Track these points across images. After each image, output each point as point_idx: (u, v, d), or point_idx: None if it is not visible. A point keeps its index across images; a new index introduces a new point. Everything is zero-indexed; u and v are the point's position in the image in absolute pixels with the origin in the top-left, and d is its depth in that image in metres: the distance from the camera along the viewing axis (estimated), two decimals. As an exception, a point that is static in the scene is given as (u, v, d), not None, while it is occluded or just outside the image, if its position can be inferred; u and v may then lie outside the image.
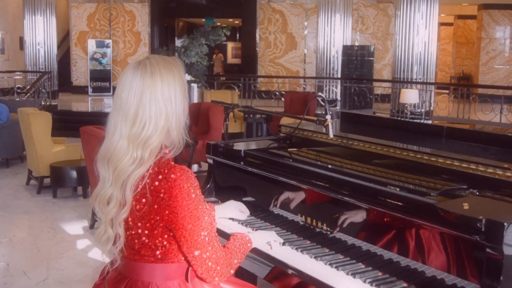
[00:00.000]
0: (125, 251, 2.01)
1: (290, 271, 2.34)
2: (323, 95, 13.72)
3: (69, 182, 7.75)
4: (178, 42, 19.90)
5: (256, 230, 2.75)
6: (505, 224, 1.85)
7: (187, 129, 2.04)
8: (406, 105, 11.33)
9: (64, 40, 20.84)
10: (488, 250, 1.88)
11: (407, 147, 2.86)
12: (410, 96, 10.62)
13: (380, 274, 2.25)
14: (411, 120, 4.13)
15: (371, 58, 15.32)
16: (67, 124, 12.61)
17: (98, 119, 12.63)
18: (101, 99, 18.26)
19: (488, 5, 19.50)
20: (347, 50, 15.23)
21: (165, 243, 1.95)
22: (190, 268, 2.02)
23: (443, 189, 2.28)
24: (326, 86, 15.44)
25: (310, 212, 2.69)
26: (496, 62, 19.85)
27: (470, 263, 1.98)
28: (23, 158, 9.81)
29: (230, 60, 25.58)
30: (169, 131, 1.96)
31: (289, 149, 3.36)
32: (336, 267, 2.31)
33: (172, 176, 1.89)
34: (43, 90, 15.14)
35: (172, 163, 1.96)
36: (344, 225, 2.48)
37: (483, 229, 1.89)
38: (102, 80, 19.24)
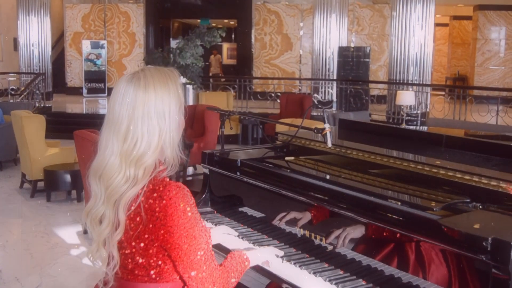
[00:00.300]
0: (119, 270, 1.93)
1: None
2: (320, 98, 13.62)
3: (63, 185, 7.70)
4: (173, 43, 19.81)
5: (253, 243, 2.68)
6: (512, 243, 1.79)
7: (182, 141, 1.97)
8: (402, 107, 11.28)
9: (58, 41, 20.73)
10: (494, 270, 1.82)
11: (407, 157, 2.79)
12: (406, 98, 10.56)
13: (381, 290, 2.19)
14: (410, 128, 4.08)
15: (367, 60, 15.29)
16: (62, 126, 12.56)
17: (93, 121, 12.67)
18: (96, 100, 18.18)
19: (484, 6, 19.51)
20: (343, 52, 15.20)
21: (159, 262, 1.87)
22: (185, 287, 1.95)
23: (446, 204, 2.21)
24: (321, 88, 15.39)
25: (309, 224, 2.62)
26: (491, 63, 19.86)
27: (475, 283, 1.92)
28: (17, 161, 9.74)
29: (226, 61, 25.49)
30: (163, 149, 1.88)
31: (286, 158, 3.29)
32: (336, 284, 2.24)
33: (168, 194, 1.81)
34: (37, 92, 15.06)
35: (167, 179, 1.88)
36: (344, 239, 2.42)
37: (489, 248, 1.83)
38: (97, 81, 19.16)
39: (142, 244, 1.85)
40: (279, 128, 7.87)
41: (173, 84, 1.90)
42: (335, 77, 15.26)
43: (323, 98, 15.16)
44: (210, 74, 20.90)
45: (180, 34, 16.97)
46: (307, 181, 2.73)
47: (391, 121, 12.81)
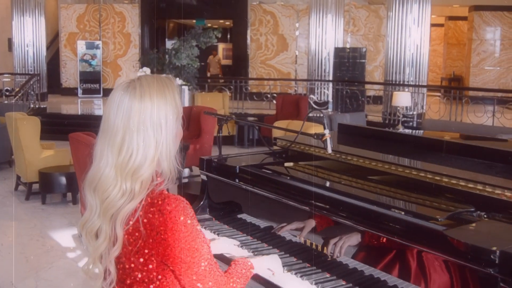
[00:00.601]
0: (116, 286, 1.88)
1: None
2: (316, 99, 13.61)
3: (58, 188, 7.65)
4: (168, 44, 19.76)
5: (253, 251, 2.64)
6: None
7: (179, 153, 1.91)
8: (398, 108, 11.26)
9: (53, 42, 20.62)
10: (502, 284, 1.78)
11: (409, 164, 2.75)
12: (402, 99, 10.54)
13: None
14: (411, 133, 4.04)
15: (363, 60, 15.26)
16: (57, 127, 12.48)
17: (88, 122, 12.61)
18: (91, 101, 18.11)
19: (479, 6, 19.52)
20: (339, 52, 15.17)
21: (159, 277, 1.81)
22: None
23: (450, 213, 2.17)
24: (317, 89, 15.38)
25: (311, 232, 2.58)
26: (486, 64, 19.88)
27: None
28: (12, 163, 9.66)
29: (221, 61, 25.45)
30: (160, 161, 1.81)
31: (285, 164, 3.24)
32: (339, 295, 2.20)
33: (167, 208, 1.75)
34: (32, 93, 14.98)
35: (166, 192, 1.82)
36: (345, 248, 2.38)
37: (497, 261, 1.78)
38: (92, 82, 19.09)
39: (141, 260, 1.80)
40: (277, 131, 7.82)
41: (170, 93, 1.83)
42: (331, 78, 15.24)
43: (319, 99, 15.15)
44: (209, 75, 20.86)
45: (176, 34, 16.93)
46: (307, 188, 2.68)
47: (387, 122, 12.80)
